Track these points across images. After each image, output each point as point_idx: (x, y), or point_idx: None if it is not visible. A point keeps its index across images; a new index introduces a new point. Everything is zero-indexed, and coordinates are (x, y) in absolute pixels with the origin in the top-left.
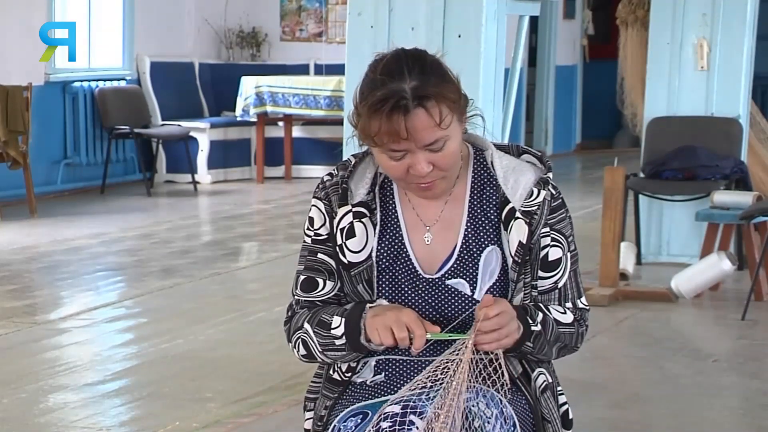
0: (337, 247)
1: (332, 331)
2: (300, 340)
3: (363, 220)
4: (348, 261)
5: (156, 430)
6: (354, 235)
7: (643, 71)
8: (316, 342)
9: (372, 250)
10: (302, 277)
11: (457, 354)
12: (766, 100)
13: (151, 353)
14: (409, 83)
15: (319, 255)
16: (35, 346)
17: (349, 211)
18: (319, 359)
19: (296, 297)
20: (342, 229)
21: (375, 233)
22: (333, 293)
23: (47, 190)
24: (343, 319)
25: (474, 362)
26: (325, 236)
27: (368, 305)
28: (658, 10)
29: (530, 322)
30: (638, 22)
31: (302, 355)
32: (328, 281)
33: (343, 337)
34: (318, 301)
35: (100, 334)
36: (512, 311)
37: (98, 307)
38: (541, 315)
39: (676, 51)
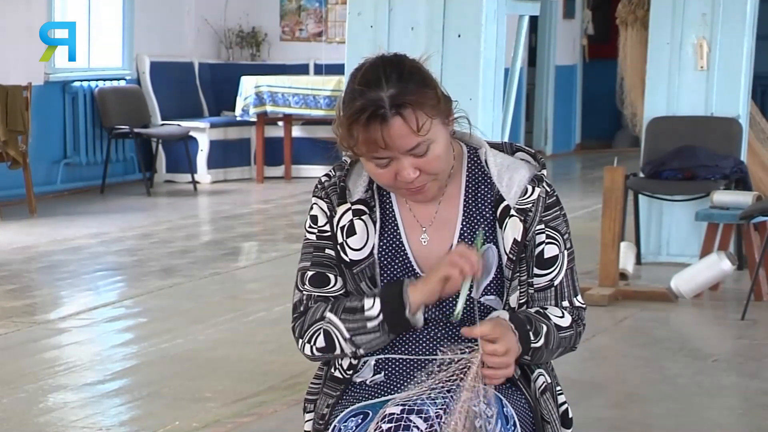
0: (338, 246)
1: (366, 313)
2: (320, 330)
3: (363, 217)
4: (350, 259)
5: (156, 430)
6: (354, 233)
7: (643, 71)
8: (344, 328)
9: (373, 247)
10: (311, 273)
11: (461, 368)
12: (766, 100)
13: (151, 353)
14: (387, 91)
15: (327, 251)
16: (35, 346)
17: (349, 209)
18: (338, 349)
19: (306, 293)
20: (342, 228)
21: (375, 230)
22: (344, 290)
23: (47, 190)
24: (378, 298)
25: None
26: (331, 233)
27: (406, 279)
28: (658, 10)
29: (531, 338)
30: (638, 22)
31: (318, 348)
32: (339, 276)
33: (380, 316)
34: (332, 296)
35: (99, 334)
36: (514, 345)
37: (98, 307)
38: (545, 328)
39: (676, 51)
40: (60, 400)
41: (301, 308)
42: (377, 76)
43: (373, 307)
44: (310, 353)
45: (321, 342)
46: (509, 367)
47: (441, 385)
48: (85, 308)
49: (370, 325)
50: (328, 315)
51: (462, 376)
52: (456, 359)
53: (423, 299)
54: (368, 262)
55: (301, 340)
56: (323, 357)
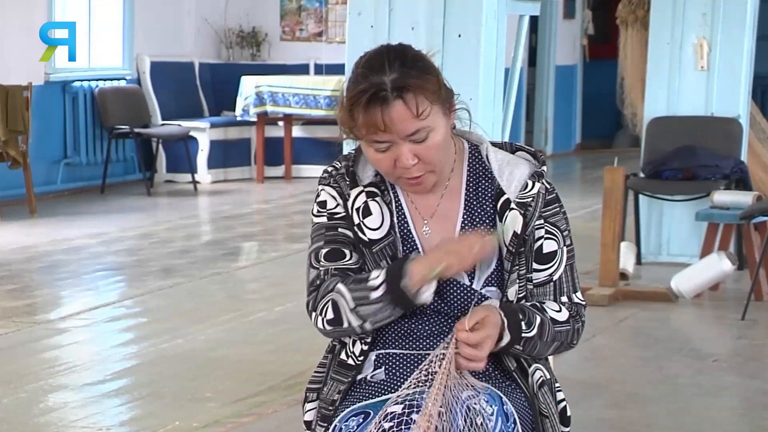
0: (356, 227)
1: (370, 282)
2: (330, 302)
3: (376, 198)
4: (369, 239)
5: (156, 430)
6: (370, 213)
7: (643, 71)
8: (349, 298)
9: (393, 225)
10: (325, 250)
11: (444, 350)
12: (766, 100)
13: (151, 353)
14: (389, 76)
15: (340, 230)
16: (35, 346)
17: (362, 191)
18: (345, 322)
19: (323, 268)
20: (357, 209)
21: (390, 211)
22: (359, 265)
23: (47, 190)
24: (383, 270)
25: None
26: (343, 214)
27: (412, 253)
28: (658, 10)
29: (523, 328)
30: (638, 22)
31: (328, 320)
32: (354, 252)
33: (382, 287)
34: (349, 270)
35: (100, 334)
36: (493, 331)
37: (98, 307)
38: (539, 318)
39: (676, 51)
40: (60, 400)
41: (318, 282)
42: (381, 62)
43: (377, 277)
44: (321, 327)
45: (330, 314)
46: (481, 352)
47: (426, 375)
48: (85, 308)
49: (373, 295)
50: (339, 286)
51: (439, 365)
52: (437, 353)
53: (424, 272)
54: (388, 241)
55: (314, 314)
56: (334, 331)
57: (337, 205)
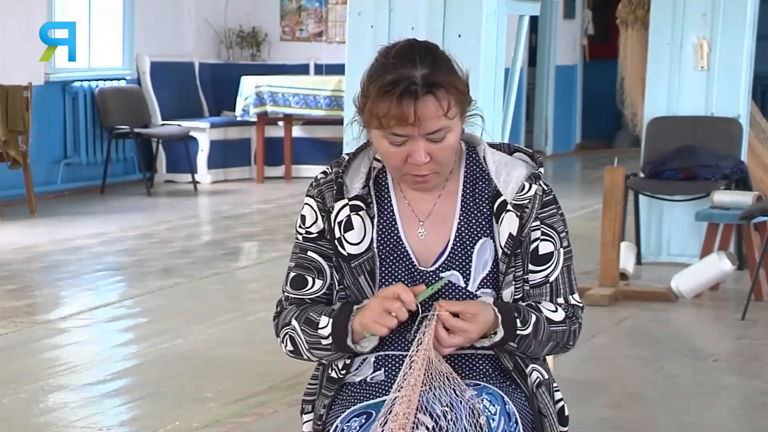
0: (336, 241)
1: (319, 331)
2: (288, 336)
3: (360, 213)
4: (348, 253)
5: (156, 430)
6: (352, 228)
7: (643, 71)
8: (303, 340)
9: (372, 241)
10: (292, 274)
11: (424, 335)
12: (766, 100)
13: (151, 353)
14: (420, 70)
15: (309, 253)
16: (35, 346)
17: (346, 204)
18: (305, 357)
19: (285, 293)
20: (340, 223)
21: (373, 226)
22: (322, 292)
23: (47, 190)
24: (331, 320)
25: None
26: (316, 234)
27: (355, 306)
28: (658, 10)
29: (519, 325)
30: (638, 22)
31: (289, 351)
32: (317, 279)
33: (330, 338)
34: (307, 299)
35: (100, 334)
36: (481, 325)
37: (98, 307)
38: (534, 317)
39: (676, 51)
40: (60, 400)
41: (278, 308)
42: (412, 55)
43: (326, 327)
44: (285, 353)
45: (290, 346)
46: (452, 339)
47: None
48: (85, 308)
49: (323, 342)
50: (294, 323)
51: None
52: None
53: (361, 332)
54: (367, 256)
55: (278, 339)
56: (297, 358)
57: (314, 222)
